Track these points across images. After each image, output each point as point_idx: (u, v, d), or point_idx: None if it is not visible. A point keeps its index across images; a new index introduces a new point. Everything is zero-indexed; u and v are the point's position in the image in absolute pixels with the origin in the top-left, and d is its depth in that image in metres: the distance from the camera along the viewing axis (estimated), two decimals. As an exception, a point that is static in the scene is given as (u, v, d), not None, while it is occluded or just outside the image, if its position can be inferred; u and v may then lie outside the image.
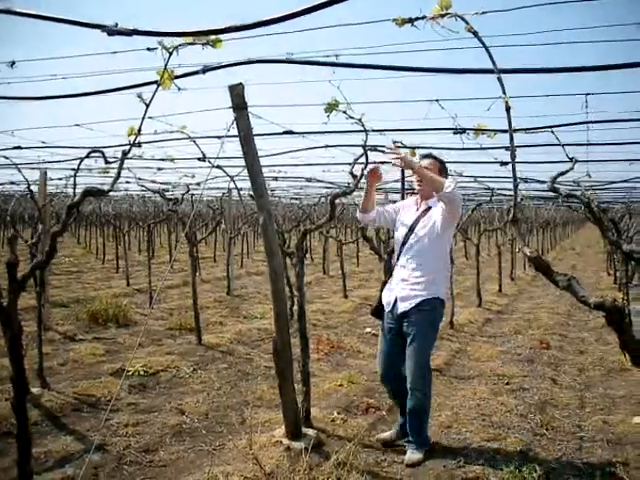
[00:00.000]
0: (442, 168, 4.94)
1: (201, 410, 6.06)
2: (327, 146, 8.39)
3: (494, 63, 2.48)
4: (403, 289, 4.80)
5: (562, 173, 5.39)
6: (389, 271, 5.19)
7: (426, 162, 4.87)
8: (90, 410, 6.03)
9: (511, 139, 2.45)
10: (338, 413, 5.86)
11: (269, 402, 6.25)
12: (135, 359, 7.41)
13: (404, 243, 4.86)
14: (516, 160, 2.58)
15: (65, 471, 4.61)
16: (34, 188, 9.41)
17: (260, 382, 7.00)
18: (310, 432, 5.15)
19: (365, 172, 5.08)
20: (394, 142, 6.80)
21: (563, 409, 6.21)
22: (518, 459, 4.82)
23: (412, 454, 4.85)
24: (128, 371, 6.94)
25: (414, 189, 5.28)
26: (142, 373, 7.14)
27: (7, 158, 9.88)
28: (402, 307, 4.79)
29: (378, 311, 5.12)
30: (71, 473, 4.55)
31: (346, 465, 4.53)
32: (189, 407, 6.12)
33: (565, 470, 4.73)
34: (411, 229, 4.83)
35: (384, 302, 5.00)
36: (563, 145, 5.82)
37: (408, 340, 4.82)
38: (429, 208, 4.86)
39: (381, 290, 5.18)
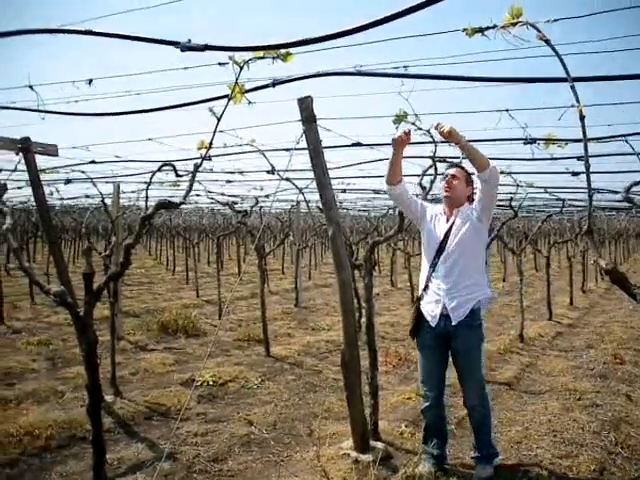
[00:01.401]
0: (469, 178, 4.85)
1: (269, 421, 6.10)
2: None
3: (567, 71, 2.43)
4: (453, 298, 4.59)
5: (637, 183, 5.25)
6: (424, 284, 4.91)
7: (456, 171, 4.78)
8: (160, 419, 6.14)
9: (585, 148, 2.40)
10: (406, 426, 5.81)
11: (337, 414, 6.24)
12: (204, 369, 7.50)
13: (439, 253, 4.67)
14: (590, 171, 2.53)
15: (137, 478, 4.70)
16: (107, 201, 9.67)
17: (328, 394, 7.01)
18: (378, 445, 5.12)
19: (393, 138, 4.64)
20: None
21: (639, 427, 6.02)
22: (591, 478, 4.70)
23: (482, 469, 4.75)
24: (197, 381, 7.02)
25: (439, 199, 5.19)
26: (211, 383, 7.22)
27: (83, 172, 10.17)
28: (456, 318, 4.59)
29: (416, 330, 4.85)
30: (142, 480, 4.64)
31: (414, 479, 4.50)
32: (257, 418, 6.16)
33: (641, 490, 4.60)
34: (446, 237, 4.67)
35: (428, 317, 4.69)
36: (638, 154, 5.67)
37: (457, 358, 4.72)
38: (459, 213, 4.75)
39: (417, 308, 4.82)
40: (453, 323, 4.59)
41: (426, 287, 4.74)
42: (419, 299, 4.81)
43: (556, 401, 6.73)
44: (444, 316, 4.62)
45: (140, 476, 4.74)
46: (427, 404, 4.79)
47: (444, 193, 4.76)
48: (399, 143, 4.63)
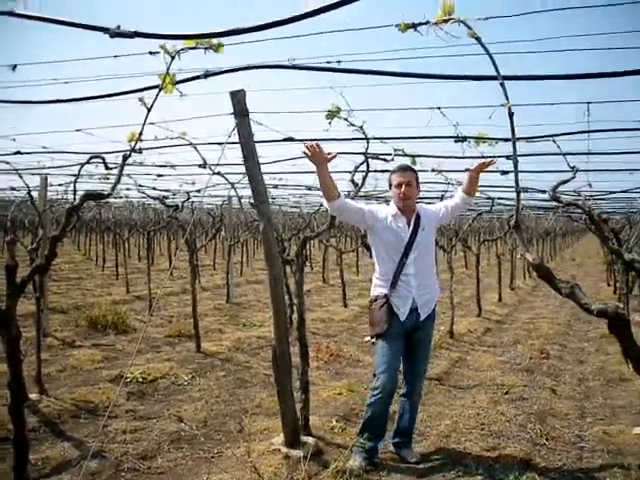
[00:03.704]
0: (417, 177, 5.01)
1: (199, 417, 6.04)
2: (328, 154, 8.36)
3: (497, 69, 2.46)
4: (422, 295, 4.86)
5: (564, 182, 5.39)
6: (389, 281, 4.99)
7: (409, 175, 4.88)
8: (88, 416, 6.01)
9: (514, 145, 2.43)
10: (337, 421, 5.83)
11: (268, 410, 6.22)
12: (134, 366, 7.39)
13: (407, 253, 4.80)
14: (518, 169, 2.57)
15: (62, 478, 4.59)
16: (34, 194, 9.41)
17: (259, 390, 6.98)
18: (309, 440, 5.12)
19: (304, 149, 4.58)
20: (395, 150, 6.79)
21: (563, 419, 6.18)
22: (518, 469, 4.79)
23: (412, 452, 5.05)
24: (127, 378, 6.91)
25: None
26: (140, 380, 7.11)
27: (8, 163, 9.87)
28: (424, 313, 4.88)
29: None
30: (68, 480, 4.53)
31: (345, 473, 4.51)
32: (187, 414, 6.09)
33: (565, 480, 4.71)
34: (411, 239, 4.81)
35: (399, 312, 4.80)
36: (564, 154, 5.81)
37: (419, 346, 4.97)
38: (418, 217, 4.91)
39: (388, 306, 4.80)
40: (421, 318, 4.86)
41: (393, 284, 4.82)
42: (384, 297, 4.85)
43: (484, 395, 6.85)
44: (413, 310, 4.83)
45: (66, 476, 4.63)
46: (379, 396, 4.77)
47: (401, 202, 4.85)
48: (320, 161, 4.56)
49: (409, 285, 4.82)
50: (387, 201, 5.10)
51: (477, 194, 5.04)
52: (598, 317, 2.14)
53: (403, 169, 4.95)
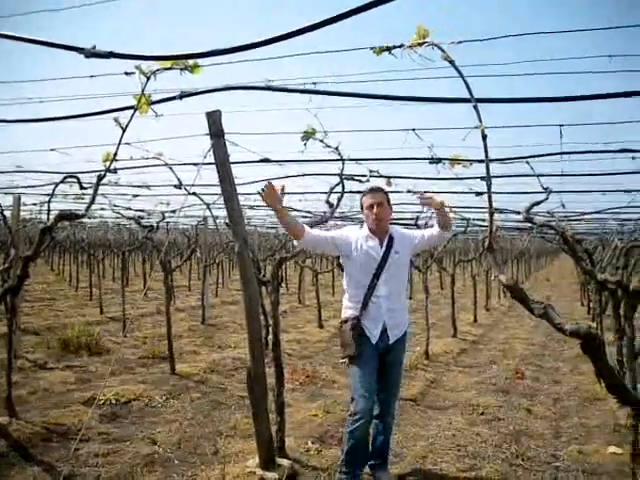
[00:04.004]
0: (389, 199, 4.97)
1: (173, 440, 5.97)
2: (304, 174, 8.37)
3: (470, 92, 2.49)
4: (392, 318, 4.79)
5: (537, 203, 5.44)
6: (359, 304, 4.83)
7: (380, 197, 4.85)
8: (60, 440, 5.92)
9: (487, 166, 2.45)
10: (312, 443, 5.80)
11: (243, 432, 6.17)
12: (107, 388, 7.31)
13: (378, 274, 4.76)
14: (492, 190, 2.58)
15: (32, 502, 4.51)
16: (7, 213, 9.32)
17: (234, 412, 6.93)
18: (284, 462, 5.09)
19: (259, 190, 4.56)
20: (370, 171, 6.82)
21: (538, 439, 6.19)
22: (494, 490, 4.80)
23: (387, 474, 5.00)
24: (99, 400, 6.84)
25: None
26: (114, 402, 7.03)
27: (-20, 182, 9.78)
28: (394, 336, 4.81)
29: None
30: (39, 505, 4.45)
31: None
32: (161, 437, 6.03)
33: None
34: (383, 261, 4.77)
35: (370, 334, 4.75)
36: (538, 175, 5.87)
37: (391, 369, 4.88)
38: (391, 238, 4.88)
39: (358, 328, 4.76)
40: (390, 342, 4.80)
41: (364, 306, 4.76)
42: (354, 319, 4.78)
43: (460, 416, 6.86)
44: (384, 332, 4.78)
45: (36, 500, 4.56)
46: (361, 421, 4.62)
47: (374, 224, 4.81)
48: (273, 202, 4.52)
49: (380, 307, 4.77)
50: (362, 222, 5.07)
51: (452, 219, 4.99)
52: (571, 337, 2.15)
53: (374, 190, 4.92)
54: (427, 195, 4.80)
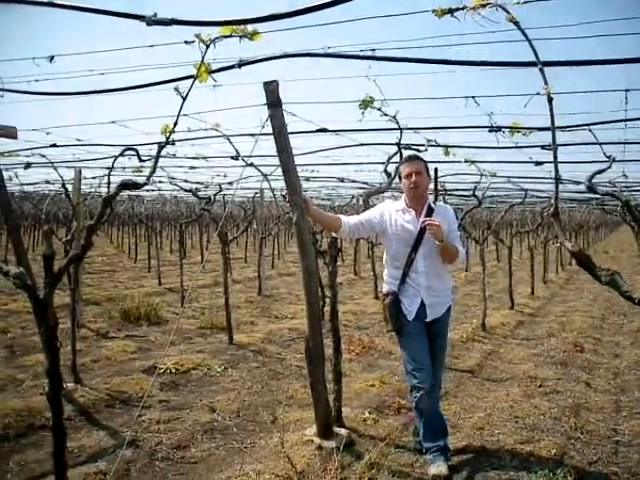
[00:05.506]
0: (427, 167, 4.83)
1: (232, 408, 6.06)
2: (361, 144, 8.32)
3: (536, 54, 2.42)
4: (431, 296, 4.69)
5: (600, 171, 5.29)
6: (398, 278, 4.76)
7: (418, 165, 4.73)
8: (122, 406, 6.07)
9: (553, 132, 2.39)
10: (370, 413, 5.81)
11: (300, 401, 6.23)
12: (167, 357, 7.44)
13: (416, 248, 4.65)
14: (557, 155, 2.52)
15: (98, 465, 4.62)
16: (69, 187, 9.50)
17: (291, 381, 6.99)
18: (342, 431, 5.12)
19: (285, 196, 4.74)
20: (428, 140, 6.75)
21: (598, 413, 6.10)
22: (552, 462, 4.74)
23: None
24: (160, 369, 6.96)
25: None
26: (173, 371, 7.15)
27: (43, 156, 9.97)
28: (433, 314, 4.71)
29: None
30: (104, 468, 4.56)
31: (378, 465, 4.50)
32: (220, 405, 6.12)
33: (600, 475, 4.64)
34: (422, 232, 4.62)
35: (406, 310, 4.68)
36: (600, 144, 5.71)
37: (437, 339, 4.81)
38: (431, 210, 4.74)
39: (396, 303, 4.72)
40: (428, 319, 4.71)
41: (403, 281, 4.71)
42: (393, 294, 4.73)
43: (517, 388, 6.79)
44: (421, 309, 4.69)
45: (102, 463, 4.67)
46: (421, 393, 4.58)
47: (411, 192, 4.71)
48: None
49: (417, 284, 4.68)
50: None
51: (455, 253, 4.75)
52: (639, 305, 2.10)
53: (412, 159, 4.85)
54: (434, 223, 4.49)
